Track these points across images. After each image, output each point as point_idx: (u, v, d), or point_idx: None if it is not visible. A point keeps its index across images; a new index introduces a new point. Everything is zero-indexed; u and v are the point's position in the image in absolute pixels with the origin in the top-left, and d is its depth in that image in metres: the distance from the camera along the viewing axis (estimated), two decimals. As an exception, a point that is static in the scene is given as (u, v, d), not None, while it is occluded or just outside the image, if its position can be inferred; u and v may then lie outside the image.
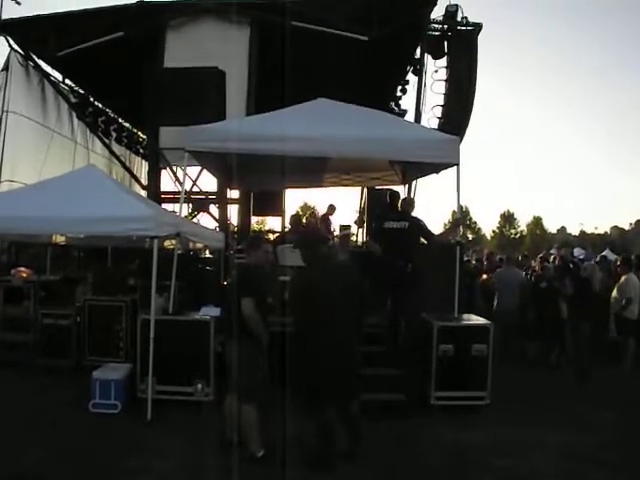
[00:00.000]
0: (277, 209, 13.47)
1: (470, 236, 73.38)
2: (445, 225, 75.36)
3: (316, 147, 7.12)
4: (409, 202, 7.73)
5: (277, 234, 11.08)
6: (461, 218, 7.25)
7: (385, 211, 8.23)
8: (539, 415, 6.67)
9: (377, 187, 11.01)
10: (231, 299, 5.10)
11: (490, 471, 5.14)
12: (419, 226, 7.34)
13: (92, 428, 6.01)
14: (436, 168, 8.13)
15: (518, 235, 74.19)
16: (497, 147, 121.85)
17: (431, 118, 11.44)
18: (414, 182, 10.46)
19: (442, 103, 11.37)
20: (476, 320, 7.19)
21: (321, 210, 12.45)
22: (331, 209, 13.73)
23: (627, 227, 76.05)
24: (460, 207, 7.31)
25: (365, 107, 8.05)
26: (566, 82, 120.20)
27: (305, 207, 67.27)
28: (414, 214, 7.67)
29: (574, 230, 76.61)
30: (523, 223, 77.37)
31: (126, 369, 6.97)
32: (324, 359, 4.82)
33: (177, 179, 12.22)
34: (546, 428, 6.22)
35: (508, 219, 76.25)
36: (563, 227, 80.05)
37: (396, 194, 8.69)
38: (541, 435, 6.03)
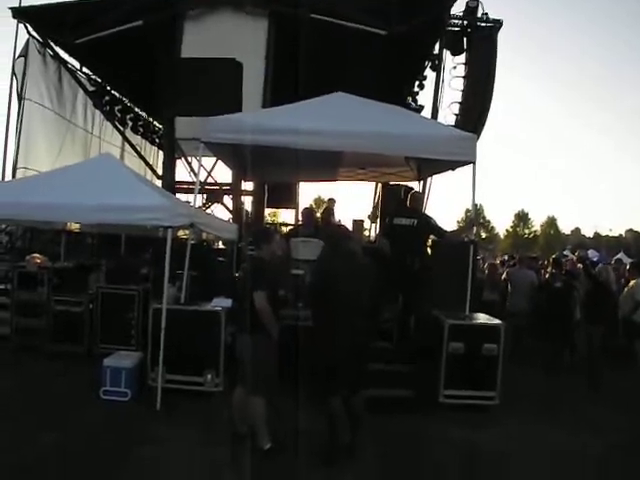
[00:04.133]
0: (291, 201, 13.46)
1: (484, 234, 73.19)
2: (458, 223, 75.32)
3: (330, 141, 7.07)
4: (418, 199, 7.67)
5: (290, 227, 11.04)
6: (475, 217, 7.19)
7: (396, 207, 8.19)
8: (548, 416, 6.64)
9: (392, 183, 10.94)
10: (243, 291, 5.11)
11: (494, 470, 5.14)
12: (428, 223, 7.30)
13: (102, 415, 6.06)
14: (452, 165, 8.07)
15: (532, 235, 73.74)
16: (513, 145, 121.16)
17: (448, 115, 11.37)
18: (429, 179, 10.39)
19: (460, 100, 11.29)
20: (487, 319, 7.13)
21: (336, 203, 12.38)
22: (331, 202, 13.74)
23: (643, 230, 75.47)
24: (475, 205, 7.23)
25: (382, 102, 8.00)
26: (588, 79, 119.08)
27: (319, 200, 67.47)
28: (427, 211, 7.63)
29: (588, 232, 76.23)
30: (537, 223, 76.98)
31: (137, 357, 7.02)
32: (336, 351, 4.82)
33: (192, 169, 12.25)
34: (554, 429, 6.20)
35: (522, 219, 75.84)
36: (577, 228, 79.66)
37: (410, 190, 8.64)
38: (548, 436, 6.00)
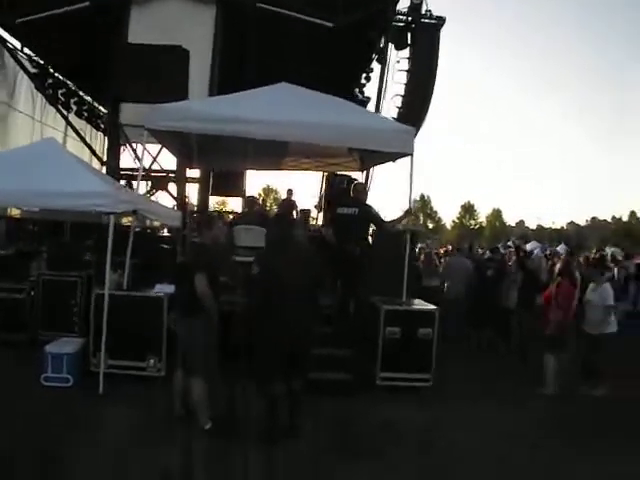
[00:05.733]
0: (237, 190, 13.57)
1: (430, 225, 74.70)
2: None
3: (273, 131, 7.21)
4: (360, 189, 7.91)
5: (234, 215, 11.16)
6: (411, 207, 7.48)
7: (339, 197, 8.42)
8: (478, 396, 6.99)
9: (336, 173, 11.18)
10: (183, 275, 5.23)
11: (423, 446, 5.40)
12: (368, 213, 7.54)
13: (43, 401, 6.07)
14: (393, 157, 8.35)
15: (477, 226, 75.66)
16: (465, 136, 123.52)
17: (391, 107, 11.67)
18: (372, 169, 10.67)
19: (403, 93, 11.59)
20: (422, 305, 7.44)
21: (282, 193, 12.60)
22: (289, 193, 13.92)
23: (583, 223, 78.70)
24: (413, 198, 7.54)
25: (326, 93, 8.17)
26: (538, 65, 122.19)
27: (267, 189, 67.51)
28: (370, 200, 7.88)
29: (532, 224, 78.79)
30: (483, 215, 79.08)
31: (79, 343, 7.03)
32: (278, 337, 4.99)
33: (137, 156, 12.15)
34: (482, 408, 6.56)
35: (468, 210, 77.70)
36: (522, 220, 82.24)
37: (352, 181, 8.89)
38: (477, 414, 6.36)
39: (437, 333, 7.03)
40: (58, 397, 6.21)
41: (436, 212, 79.32)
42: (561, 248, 18.68)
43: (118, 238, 6.83)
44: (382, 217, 7.73)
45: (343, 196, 8.31)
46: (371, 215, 7.54)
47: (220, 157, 10.06)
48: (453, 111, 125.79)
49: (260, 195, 64.23)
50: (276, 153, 9.87)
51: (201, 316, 5.12)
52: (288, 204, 8.77)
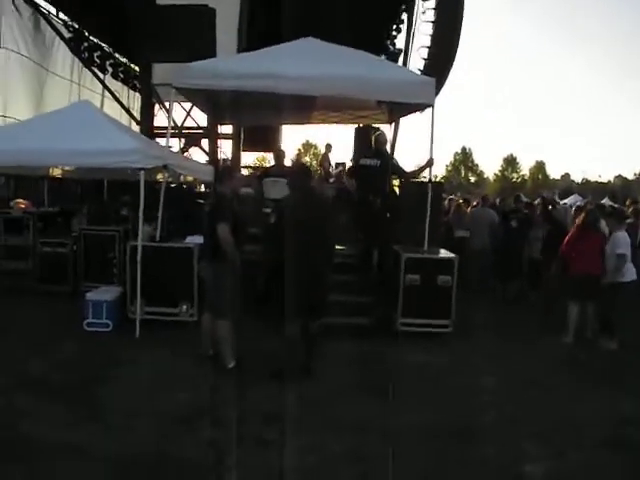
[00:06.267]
0: (272, 145, 13.74)
1: (472, 179, 73.52)
2: (447, 166, 75.63)
3: (298, 85, 7.36)
4: (382, 140, 7.99)
5: (263, 168, 11.41)
6: (432, 158, 7.56)
7: (364, 148, 8.55)
8: (497, 343, 7.14)
9: (362, 125, 11.24)
10: (208, 224, 5.54)
11: (441, 388, 5.62)
12: (390, 163, 7.67)
13: (85, 343, 6.58)
14: (419, 107, 8.38)
15: (520, 179, 74.00)
16: (504, 89, 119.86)
17: (418, 59, 11.59)
18: (400, 121, 10.69)
19: (429, 44, 11.48)
20: (442, 253, 7.61)
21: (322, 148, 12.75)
22: (328, 148, 14.09)
23: (631, 177, 76.03)
24: (432, 145, 7.57)
25: (359, 47, 8.21)
26: (577, 12, 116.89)
27: (307, 144, 67.50)
28: (398, 152, 7.96)
29: (578, 178, 76.63)
30: (526, 168, 77.22)
31: (117, 291, 7.50)
32: (295, 282, 5.24)
33: (169, 114, 12.44)
34: (503, 354, 6.73)
35: (510, 163, 75.95)
36: (567, 174, 79.86)
37: (375, 132, 8.96)
38: (497, 359, 6.52)
39: (456, 280, 7.19)
40: (98, 340, 6.73)
41: (477, 165, 77.89)
42: (605, 201, 18.35)
43: (152, 193, 7.18)
44: (403, 168, 7.84)
45: (366, 148, 8.42)
46: (392, 166, 7.67)
47: (249, 113, 10.25)
48: (493, 63, 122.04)
49: (300, 150, 64.44)
50: (304, 107, 9.97)
51: (224, 261, 5.44)
52: (278, 154, 8.90)
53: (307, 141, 67.36)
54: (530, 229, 9.73)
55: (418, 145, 7.74)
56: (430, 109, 7.73)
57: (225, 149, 12.74)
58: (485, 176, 77.68)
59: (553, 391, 5.65)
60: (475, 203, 13.13)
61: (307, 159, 59.97)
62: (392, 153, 9.07)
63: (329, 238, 5.57)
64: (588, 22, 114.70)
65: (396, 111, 10.00)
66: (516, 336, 7.56)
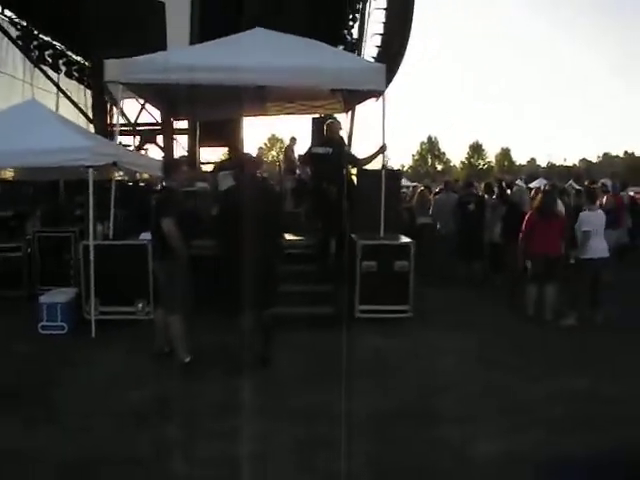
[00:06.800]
0: (231, 139, 13.55)
1: (439, 167, 74.24)
2: (413, 155, 76.14)
3: (247, 76, 7.33)
4: (333, 128, 7.94)
5: (217, 162, 11.30)
6: (385, 144, 7.57)
7: (317, 137, 8.52)
8: (459, 326, 7.18)
9: (318, 115, 11.20)
10: (154, 220, 5.46)
11: (399, 372, 5.65)
12: (341, 151, 7.66)
13: (40, 346, 6.45)
14: (374, 95, 8.36)
15: (486, 166, 74.94)
16: (471, 78, 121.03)
17: (371, 47, 11.59)
18: (357, 109, 10.67)
19: (382, 32, 11.49)
20: (398, 238, 7.61)
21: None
22: (292, 141, 14.02)
23: (595, 160, 77.64)
24: (384, 132, 7.58)
25: (318, 39, 8.18)
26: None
27: (273, 139, 67.27)
28: (357, 140, 7.94)
29: (544, 162, 77.97)
30: (492, 155, 78.29)
31: (72, 293, 7.36)
32: (241, 273, 5.19)
33: (122, 112, 12.24)
34: (463, 336, 6.74)
35: (476, 150, 76.86)
36: (533, 159, 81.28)
37: (326, 121, 8.93)
38: (457, 342, 6.53)
39: (413, 265, 7.21)
40: (54, 342, 6.60)
41: (444, 153, 78.72)
42: (570, 184, 18.61)
43: (106, 192, 7.05)
44: (356, 155, 7.83)
45: (318, 136, 8.39)
46: (344, 154, 7.66)
47: (203, 107, 10.12)
48: (456, 49, 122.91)
49: (266, 145, 64.15)
50: (258, 99, 9.89)
51: (173, 257, 5.36)
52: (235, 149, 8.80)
53: (273, 135, 67.20)
54: (485, 210, 9.83)
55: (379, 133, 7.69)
56: (389, 96, 7.78)
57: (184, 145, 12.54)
58: (452, 164, 78.52)
59: (512, 372, 5.64)
60: (438, 189, 13.23)
61: (274, 153, 59.82)
62: (350, 142, 9.04)
63: (277, 228, 5.53)
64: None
65: (351, 99, 9.97)
66: (477, 319, 7.60)
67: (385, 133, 7.54)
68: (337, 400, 4.79)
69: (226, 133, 13.01)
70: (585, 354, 6.25)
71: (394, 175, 8.63)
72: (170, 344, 5.72)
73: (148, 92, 8.77)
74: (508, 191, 10.52)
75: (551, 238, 7.57)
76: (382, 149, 7.58)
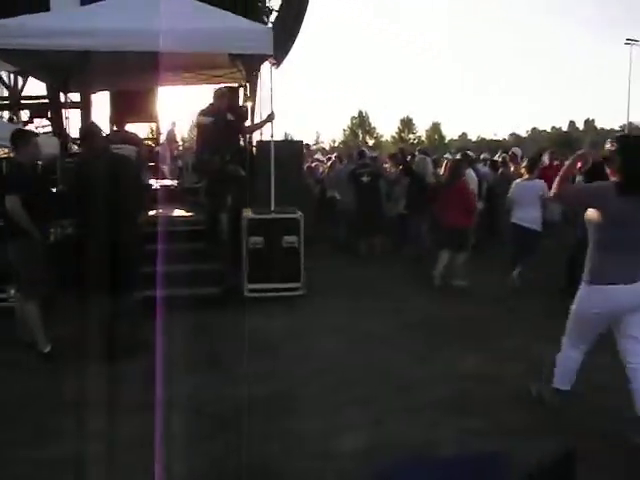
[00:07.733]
0: (144, 115, 12.74)
1: (370, 141, 74.44)
2: (344, 130, 76.03)
3: (113, 42, 6.87)
4: (218, 95, 7.52)
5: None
6: (273, 112, 7.23)
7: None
8: (354, 302, 6.96)
9: (220, 86, 10.68)
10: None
11: (280, 355, 5.34)
12: (225, 120, 7.27)
13: None
14: (273, 62, 7.96)
15: (416, 140, 75.76)
16: (406, 50, 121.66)
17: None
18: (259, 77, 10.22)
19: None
20: (286, 212, 7.22)
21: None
22: (173, 125, 13.35)
23: (524, 134, 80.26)
24: (271, 100, 7.23)
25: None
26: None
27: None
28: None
29: (475, 137, 79.92)
30: (422, 129, 79.32)
31: None
32: (97, 252, 4.78)
33: (4, 83, 11.35)
34: (357, 313, 6.53)
35: (407, 124, 77.54)
36: (464, 133, 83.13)
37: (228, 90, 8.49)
38: (349, 319, 6.31)
39: (303, 241, 6.94)
40: None
41: (375, 128, 79.18)
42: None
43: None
44: (243, 124, 7.48)
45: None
46: (228, 122, 7.26)
47: (93, 79, 9.45)
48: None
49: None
50: (147, 68, 9.27)
51: (20, 238, 4.87)
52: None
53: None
54: (380, 181, 9.71)
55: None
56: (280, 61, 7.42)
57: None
58: (383, 138, 79.00)
59: (402, 350, 5.39)
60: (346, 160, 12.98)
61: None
62: (252, 112, 8.57)
63: (134, 204, 5.11)
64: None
65: (249, 68, 9.52)
66: (374, 294, 7.40)
67: (273, 101, 7.25)
68: (206, 388, 4.53)
69: (138, 108, 12.23)
70: (480, 330, 6.01)
71: (291, 146, 8.33)
72: (31, 333, 5.24)
73: (27, 61, 8.04)
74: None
75: (460, 208, 7.55)
76: (270, 117, 7.24)
